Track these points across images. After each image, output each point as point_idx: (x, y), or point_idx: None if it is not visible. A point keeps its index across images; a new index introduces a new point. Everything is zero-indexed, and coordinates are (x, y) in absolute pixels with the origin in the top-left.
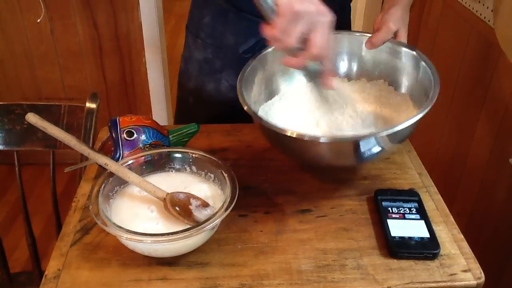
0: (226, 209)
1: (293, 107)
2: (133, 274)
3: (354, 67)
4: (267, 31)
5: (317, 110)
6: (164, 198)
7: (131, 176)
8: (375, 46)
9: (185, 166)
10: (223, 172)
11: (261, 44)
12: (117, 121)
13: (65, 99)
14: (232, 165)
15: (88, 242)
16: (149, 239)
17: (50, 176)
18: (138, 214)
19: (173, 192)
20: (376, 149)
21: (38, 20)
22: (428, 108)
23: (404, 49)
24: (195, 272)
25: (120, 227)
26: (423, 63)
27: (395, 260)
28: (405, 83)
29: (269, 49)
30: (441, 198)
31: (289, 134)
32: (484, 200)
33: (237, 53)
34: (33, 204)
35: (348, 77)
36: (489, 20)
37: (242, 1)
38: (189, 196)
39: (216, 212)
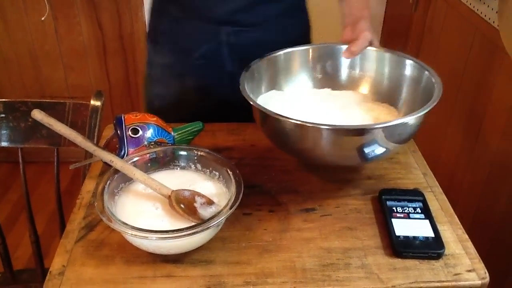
0: (231, 207)
1: (291, 102)
2: (137, 271)
3: (355, 77)
4: None
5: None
6: (169, 196)
7: (136, 173)
8: (355, 54)
9: (190, 164)
10: (228, 170)
11: (212, 51)
12: (122, 119)
13: (68, 98)
14: (236, 164)
15: (92, 239)
16: (154, 235)
17: (53, 174)
18: (143, 211)
19: (178, 190)
20: (379, 145)
21: (42, 19)
22: (432, 106)
23: (406, 59)
24: (199, 270)
25: (125, 223)
26: (426, 72)
27: (399, 260)
28: (404, 94)
29: (280, 52)
30: (446, 198)
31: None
32: (488, 201)
33: (193, 58)
34: (35, 203)
35: (350, 86)
36: (493, 22)
37: (192, 8)
38: (194, 193)
39: (221, 210)
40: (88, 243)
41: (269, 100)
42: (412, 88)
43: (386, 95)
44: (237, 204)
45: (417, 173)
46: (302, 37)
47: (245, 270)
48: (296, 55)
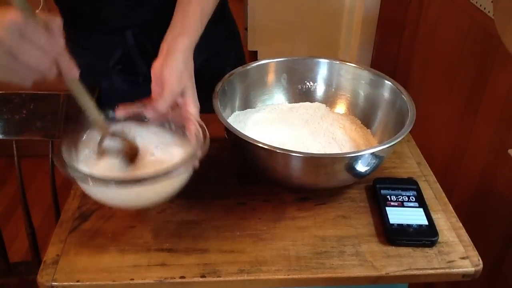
0: (196, 157)
1: (265, 121)
2: (131, 260)
3: (331, 94)
4: None
5: (288, 128)
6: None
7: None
8: (159, 113)
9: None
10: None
11: (128, 54)
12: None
13: (64, 90)
14: (230, 154)
15: (86, 229)
16: (114, 180)
17: (48, 168)
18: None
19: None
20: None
21: (37, 12)
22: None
23: (384, 81)
24: (193, 258)
25: (86, 173)
26: (402, 96)
27: (393, 247)
28: (380, 115)
29: (253, 64)
30: (440, 187)
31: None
32: (483, 191)
33: (109, 66)
34: (32, 196)
35: (326, 103)
36: (489, 11)
37: (91, 23)
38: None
39: (185, 159)
40: (82, 232)
41: (242, 118)
42: (387, 110)
43: (361, 114)
44: (202, 154)
45: (411, 162)
46: (225, 39)
47: (239, 258)
48: (269, 68)
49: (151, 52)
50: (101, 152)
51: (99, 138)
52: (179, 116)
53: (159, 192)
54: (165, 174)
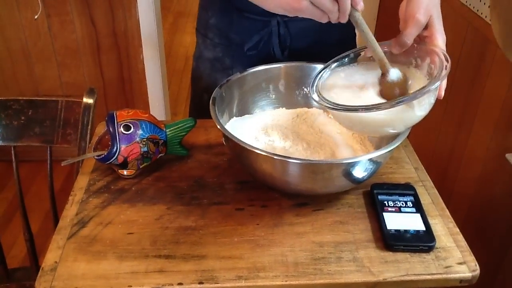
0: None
1: (262, 127)
2: (129, 266)
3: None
4: None
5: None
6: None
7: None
8: (404, 46)
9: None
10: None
11: (265, 40)
12: (114, 115)
13: (62, 96)
14: (228, 160)
15: (85, 235)
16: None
17: (47, 173)
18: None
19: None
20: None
21: (36, 17)
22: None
23: None
24: (191, 265)
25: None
26: None
27: (390, 253)
28: None
29: (251, 70)
30: (437, 192)
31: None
32: (482, 196)
33: (243, 51)
34: (31, 201)
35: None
36: (486, 16)
37: (242, 2)
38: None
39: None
40: (81, 239)
41: (239, 124)
42: None
43: None
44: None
45: (409, 168)
46: (347, 35)
47: (237, 264)
48: (267, 74)
49: (289, 42)
50: (385, 86)
51: (380, 73)
52: (424, 49)
53: (400, 118)
54: (397, 102)
